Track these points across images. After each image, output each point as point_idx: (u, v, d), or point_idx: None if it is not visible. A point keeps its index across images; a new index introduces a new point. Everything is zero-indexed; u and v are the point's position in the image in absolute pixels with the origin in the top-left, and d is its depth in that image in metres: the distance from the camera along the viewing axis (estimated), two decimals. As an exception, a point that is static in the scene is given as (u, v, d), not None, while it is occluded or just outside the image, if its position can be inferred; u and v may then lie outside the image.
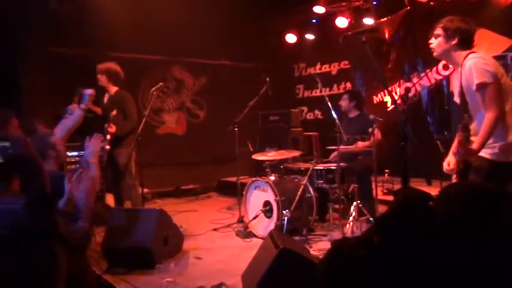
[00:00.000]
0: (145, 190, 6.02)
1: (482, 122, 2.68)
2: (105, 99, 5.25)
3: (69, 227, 2.06)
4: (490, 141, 2.66)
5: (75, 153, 6.04)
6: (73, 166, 5.93)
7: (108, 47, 6.73)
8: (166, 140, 7.94)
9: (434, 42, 2.88)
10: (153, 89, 5.01)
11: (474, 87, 2.66)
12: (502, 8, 6.22)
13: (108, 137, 4.84)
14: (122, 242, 3.79)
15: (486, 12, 6.18)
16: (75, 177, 2.39)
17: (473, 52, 2.78)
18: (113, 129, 4.82)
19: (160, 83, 5.06)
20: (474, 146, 2.67)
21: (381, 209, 5.03)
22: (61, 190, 2.76)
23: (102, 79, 5.12)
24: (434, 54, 2.92)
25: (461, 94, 2.81)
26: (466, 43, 2.80)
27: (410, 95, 7.34)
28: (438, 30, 2.85)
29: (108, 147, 4.80)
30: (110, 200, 5.41)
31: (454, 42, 2.79)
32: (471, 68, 2.68)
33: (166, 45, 7.47)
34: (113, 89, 5.14)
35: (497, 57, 3.87)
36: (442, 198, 1.04)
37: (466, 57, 2.76)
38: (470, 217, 0.92)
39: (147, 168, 5.79)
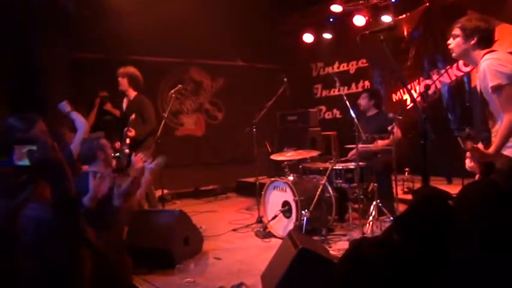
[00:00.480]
0: (165, 191, 6.08)
1: None
2: (124, 103, 5.33)
3: (96, 234, 2.09)
4: None
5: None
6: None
7: (126, 51, 6.81)
8: (185, 142, 8.01)
9: (452, 43, 2.80)
10: (172, 91, 5.07)
11: (489, 90, 2.59)
12: (524, 1, 6.09)
13: (128, 141, 4.93)
14: (143, 242, 3.84)
15: (508, 7, 6.05)
16: (98, 177, 2.45)
17: (490, 52, 2.68)
18: (132, 133, 4.91)
19: (179, 86, 5.11)
20: (491, 148, 2.61)
21: (401, 208, 4.96)
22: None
23: (124, 82, 5.19)
24: (453, 54, 2.84)
25: (481, 95, 2.75)
26: (486, 42, 2.72)
27: (430, 92, 7.21)
28: (456, 31, 2.77)
29: (127, 150, 4.88)
30: (130, 201, 5.48)
31: (473, 42, 2.70)
32: (485, 70, 2.60)
33: (184, 47, 7.53)
34: (132, 94, 5.22)
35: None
36: (462, 197, 1.03)
37: (482, 57, 2.68)
38: (490, 216, 0.91)
39: (167, 169, 5.84)
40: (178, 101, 7.82)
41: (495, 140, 2.64)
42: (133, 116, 4.90)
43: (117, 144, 5.32)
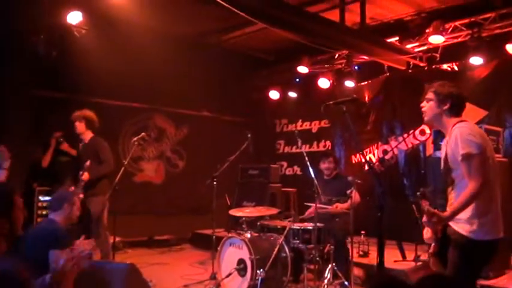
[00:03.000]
0: (117, 239, 5.84)
1: (462, 191, 2.60)
2: (80, 146, 5.23)
3: None
4: (468, 215, 2.58)
5: (48, 198, 5.88)
6: (44, 211, 5.77)
7: (91, 93, 6.76)
8: (143, 188, 7.80)
9: (426, 106, 2.83)
10: (135, 138, 5.00)
11: (459, 158, 2.60)
12: (476, 80, 6.54)
13: (82, 183, 4.79)
14: (87, 297, 3.62)
15: (461, 83, 6.46)
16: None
17: (462, 121, 2.73)
18: (86, 176, 4.78)
19: (143, 134, 5.05)
20: (447, 212, 2.61)
21: (356, 271, 4.98)
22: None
23: (81, 126, 5.13)
24: (425, 118, 2.87)
25: (445, 161, 2.76)
26: (457, 108, 2.76)
27: (387, 157, 7.49)
28: (430, 95, 2.80)
29: (81, 195, 4.72)
30: (79, 248, 5.21)
31: (445, 107, 2.74)
32: (457, 137, 2.62)
33: (150, 93, 7.54)
34: (88, 136, 5.14)
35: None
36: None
37: (454, 125, 2.71)
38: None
39: (121, 216, 5.65)
40: (140, 146, 7.68)
41: (453, 204, 2.64)
42: (88, 163, 4.79)
43: (71, 190, 5.13)
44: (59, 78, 6.46)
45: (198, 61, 7.57)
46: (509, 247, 4.68)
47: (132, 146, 5.09)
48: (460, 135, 2.62)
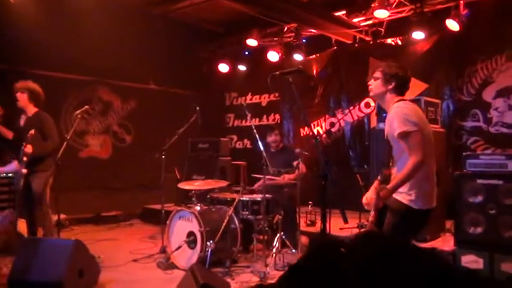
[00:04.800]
0: (62, 216, 5.66)
1: (403, 167, 2.75)
2: (22, 121, 4.94)
3: None
4: (408, 187, 2.76)
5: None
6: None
7: (31, 64, 6.40)
8: (88, 164, 7.57)
9: (372, 84, 2.99)
10: (78, 112, 4.79)
11: (396, 136, 2.75)
12: (418, 54, 6.78)
13: (25, 158, 4.55)
14: (31, 274, 3.52)
15: (404, 57, 6.70)
16: None
17: (401, 100, 2.89)
18: (29, 149, 4.53)
19: (86, 106, 4.84)
20: (389, 185, 2.75)
21: (304, 240, 5.15)
22: None
23: (23, 98, 4.83)
24: (371, 94, 3.04)
25: (387, 138, 2.92)
26: (401, 89, 2.93)
27: (334, 129, 7.69)
28: (377, 74, 2.97)
29: (24, 170, 4.51)
30: (22, 226, 5.02)
31: (390, 86, 2.91)
32: (394, 116, 2.78)
33: (94, 65, 7.23)
34: (32, 110, 4.87)
35: (411, 101, 4.15)
36: (354, 247, 1.09)
37: (394, 104, 2.87)
38: (381, 269, 0.97)
39: (66, 192, 5.47)
40: (84, 121, 7.42)
41: (395, 178, 2.80)
42: (32, 132, 4.54)
43: (17, 166, 4.89)
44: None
45: (145, 32, 7.35)
46: (444, 212, 5.01)
47: (75, 120, 4.88)
48: (397, 115, 2.77)
